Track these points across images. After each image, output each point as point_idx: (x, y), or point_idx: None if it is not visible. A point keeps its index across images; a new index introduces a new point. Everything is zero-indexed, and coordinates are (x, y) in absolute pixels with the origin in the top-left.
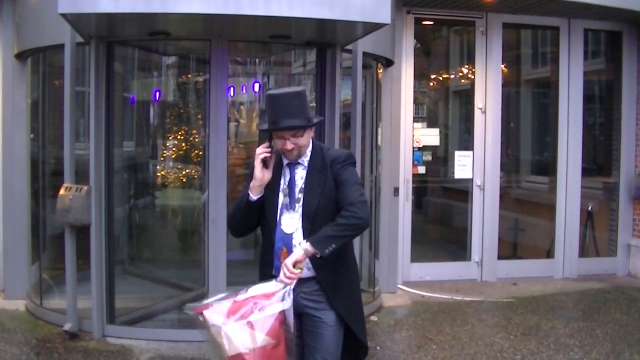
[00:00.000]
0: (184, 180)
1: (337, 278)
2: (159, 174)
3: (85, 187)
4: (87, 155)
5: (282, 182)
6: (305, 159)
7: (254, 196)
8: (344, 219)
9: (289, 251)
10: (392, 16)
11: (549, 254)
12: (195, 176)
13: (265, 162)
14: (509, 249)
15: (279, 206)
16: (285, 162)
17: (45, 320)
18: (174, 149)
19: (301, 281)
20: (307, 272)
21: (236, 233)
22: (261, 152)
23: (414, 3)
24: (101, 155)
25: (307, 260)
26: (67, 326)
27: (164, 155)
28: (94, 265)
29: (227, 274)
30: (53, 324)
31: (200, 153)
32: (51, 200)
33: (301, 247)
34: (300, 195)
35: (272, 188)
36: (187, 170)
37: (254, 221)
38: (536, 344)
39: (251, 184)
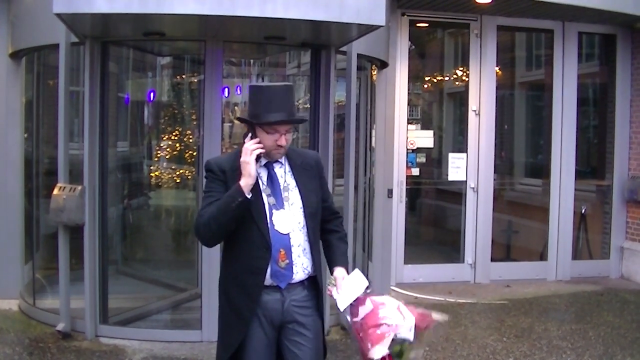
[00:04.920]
0: (178, 180)
1: (322, 280)
2: (152, 174)
3: (79, 187)
4: (81, 155)
5: (259, 182)
6: (282, 157)
7: (247, 195)
8: (342, 234)
9: (288, 252)
10: (386, 18)
11: (542, 256)
12: (189, 177)
13: (258, 159)
14: (503, 251)
15: (267, 207)
16: (262, 161)
17: (38, 320)
18: (168, 149)
19: (289, 287)
20: (302, 274)
21: (213, 242)
22: (255, 148)
23: (408, 5)
24: (95, 155)
25: (305, 262)
26: (60, 326)
27: (158, 155)
28: (87, 265)
29: None
30: (46, 323)
31: (195, 153)
32: (45, 200)
33: (341, 272)
34: (287, 194)
35: (253, 189)
36: (181, 171)
37: (234, 226)
38: (529, 346)
39: (245, 183)
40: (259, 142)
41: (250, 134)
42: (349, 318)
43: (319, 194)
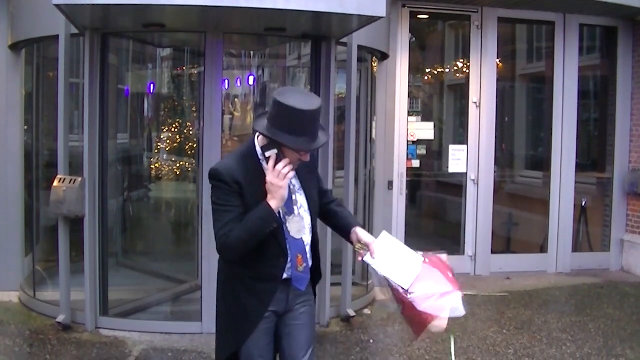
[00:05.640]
0: (178, 172)
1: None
2: (152, 166)
3: (79, 179)
4: (81, 146)
5: None
6: None
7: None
8: (337, 200)
9: (304, 256)
10: (387, 9)
11: (542, 248)
12: (189, 169)
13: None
14: (503, 243)
15: (281, 213)
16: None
17: (38, 311)
18: (168, 141)
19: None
20: (309, 265)
21: (238, 259)
22: (289, 171)
23: None
24: (95, 147)
25: (309, 253)
26: (60, 318)
27: (158, 147)
28: (87, 257)
29: None
30: (46, 315)
31: (194, 145)
32: (45, 192)
33: (368, 235)
34: (295, 197)
35: (263, 199)
36: (181, 163)
37: None
38: (529, 338)
39: (277, 206)
40: (289, 162)
41: (275, 151)
42: (394, 285)
43: (317, 187)
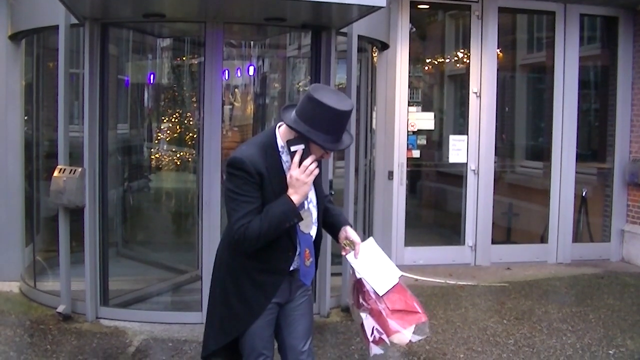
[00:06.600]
0: (178, 163)
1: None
2: (153, 157)
3: (79, 169)
4: (81, 137)
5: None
6: None
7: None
8: (328, 196)
9: (311, 251)
10: None
11: (543, 239)
12: (190, 159)
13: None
14: (503, 233)
15: None
16: (287, 161)
17: (39, 302)
18: (168, 131)
19: (296, 271)
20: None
21: (254, 249)
22: (315, 168)
23: None
24: (95, 137)
25: (313, 249)
26: (61, 308)
27: (158, 137)
28: (87, 247)
29: None
30: (47, 305)
31: (195, 136)
32: (45, 182)
33: (357, 235)
34: None
35: (281, 192)
36: (181, 153)
37: None
38: (529, 329)
39: (298, 202)
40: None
41: (303, 146)
42: (368, 288)
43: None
